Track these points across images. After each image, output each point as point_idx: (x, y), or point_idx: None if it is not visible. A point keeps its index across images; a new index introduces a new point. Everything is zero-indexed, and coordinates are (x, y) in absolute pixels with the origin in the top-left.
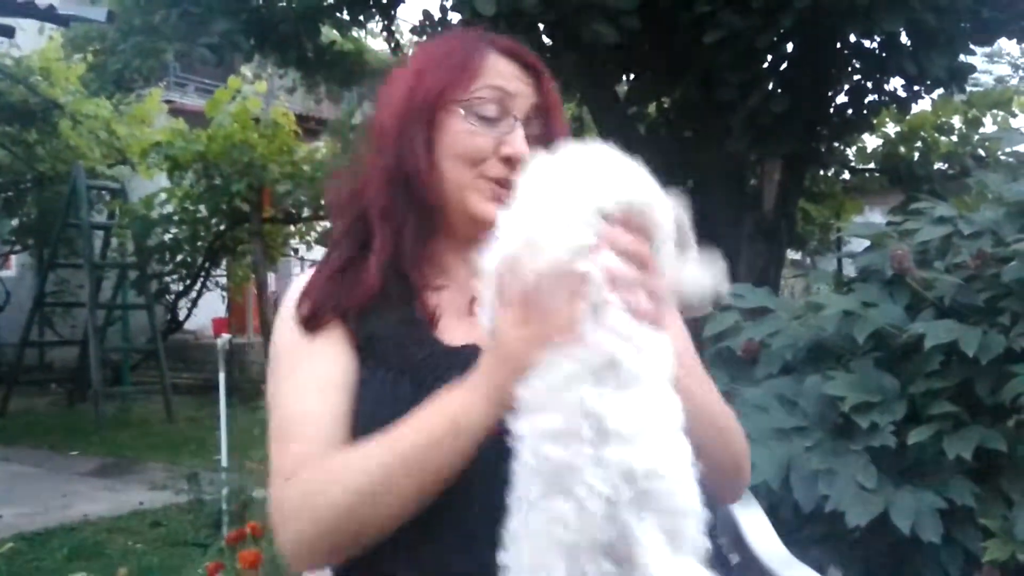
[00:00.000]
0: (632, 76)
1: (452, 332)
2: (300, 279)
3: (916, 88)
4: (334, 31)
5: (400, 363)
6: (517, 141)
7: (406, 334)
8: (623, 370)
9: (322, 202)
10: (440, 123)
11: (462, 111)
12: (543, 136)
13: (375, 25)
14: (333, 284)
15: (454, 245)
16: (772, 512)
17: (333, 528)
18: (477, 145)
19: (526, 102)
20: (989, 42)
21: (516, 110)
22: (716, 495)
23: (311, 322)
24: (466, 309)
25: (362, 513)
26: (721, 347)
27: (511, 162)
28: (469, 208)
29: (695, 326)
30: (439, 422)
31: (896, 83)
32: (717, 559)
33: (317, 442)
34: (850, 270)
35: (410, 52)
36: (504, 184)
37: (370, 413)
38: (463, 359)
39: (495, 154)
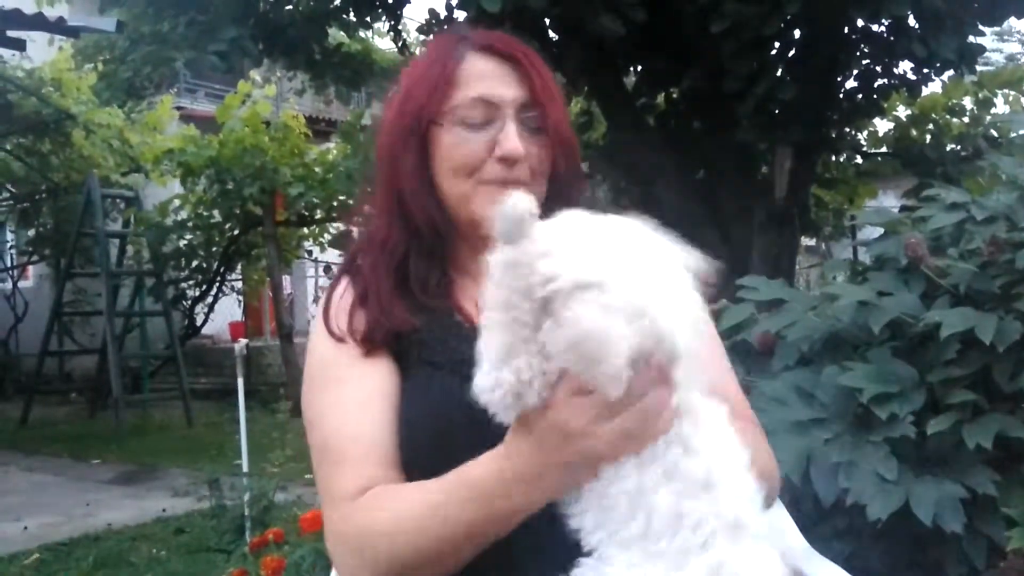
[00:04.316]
0: (640, 68)
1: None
2: (328, 291)
3: (926, 70)
4: (341, 33)
5: (443, 360)
6: (509, 139)
7: (443, 332)
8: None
9: (334, 203)
10: (433, 140)
11: (448, 123)
12: (540, 126)
13: (382, 25)
14: (365, 307)
15: (469, 248)
16: (793, 506)
17: (395, 574)
18: (468, 153)
19: (513, 97)
20: (998, 22)
21: (504, 108)
22: None
23: (360, 341)
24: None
25: (422, 569)
26: (736, 340)
27: (507, 161)
28: (475, 216)
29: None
30: (502, 505)
31: (905, 66)
32: None
33: (372, 462)
34: (865, 258)
35: (417, 52)
36: (504, 183)
37: (420, 414)
38: None
39: (489, 156)
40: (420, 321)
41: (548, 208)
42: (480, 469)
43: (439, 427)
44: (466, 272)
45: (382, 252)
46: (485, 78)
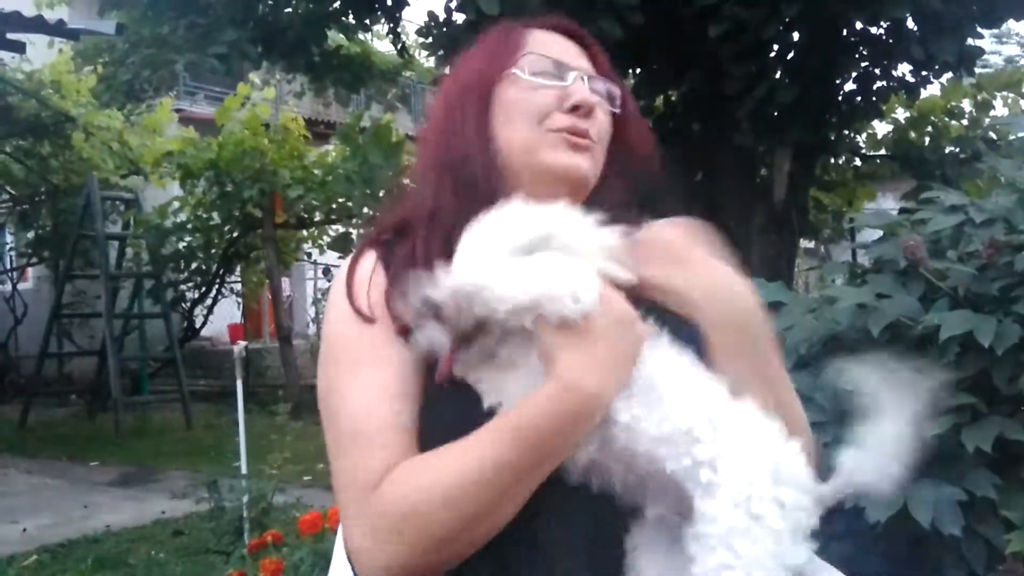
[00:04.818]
0: (639, 71)
1: None
2: (349, 266)
3: (924, 73)
4: (340, 35)
5: None
6: (581, 90)
7: None
8: None
9: (333, 206)
10: (495, 98)
11: (517, 72)
12: (606, 96)
13: (381, 28)
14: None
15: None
16: None
17: (434, 550)
18: (539, 100)
19: (579, 65)
20: (996, 24)
21: (573, 68)
22: None
23: (387, 320)
24: None
25: (469, 535)
26: None
27: (577, 111)
28: (543, 163)
29: None
30: (540, 435)
31: (904, 69)
32: None
33: (401, 451)
34: (864, 260)
35: (416, 54)
36: (574, 132)
37: (446, 401)
38: None
39: (558, 108)
40: None
41: (606, 179)
42: (526, 407)
43: (463, 411)
44: None
45: (431, 223)
46: (553, 46)
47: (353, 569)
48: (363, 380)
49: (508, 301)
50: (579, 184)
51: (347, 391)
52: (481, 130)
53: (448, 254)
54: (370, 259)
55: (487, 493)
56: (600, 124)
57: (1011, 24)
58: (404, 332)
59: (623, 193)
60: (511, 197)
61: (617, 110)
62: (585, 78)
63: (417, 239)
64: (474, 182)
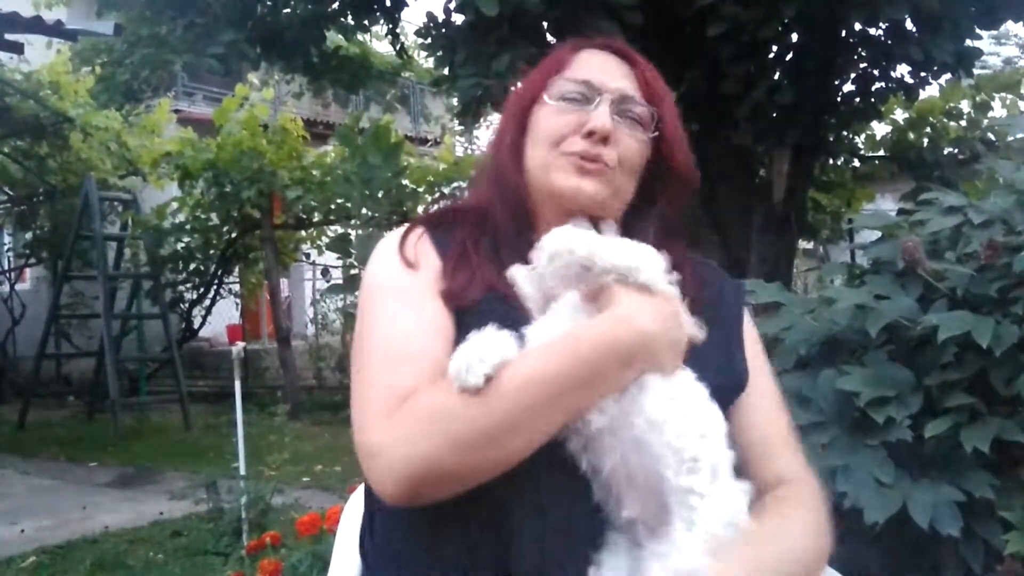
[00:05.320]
0: None
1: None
2: (402, 233)
3: (923, 74)
4: (339, 36)
5: (503, 327)
6: (599, 116)
7: (502, 311)
8: None
9: (332, 207)
10: (530, 119)
11: (547, 98)
12: (639, 120)
13: (380, 29)
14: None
15: (545, 222)
16: None
17: (465, 450)
18: (558, 124)
19: (616, 86)
20: (995, 25)
21: (604, 92)
22: None
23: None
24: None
25: (501, 446)
26: None
27: (592, 136)
28: (553, 184)
29: None
30: (594, 349)
31: (903, 70)
32: None
33: (433, 371)
34: (863, 261)
35: (415, 55)
36: (586, 157)
37: None
38: None
39: (576, 132)
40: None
41: (641, 207)
42: (583, 328)
43: None
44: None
45: (477, 219)
46: (594, 67)
47: (369, 476)
48: (405, 314)
49: (609, 263)
50: (588, 206)
51: (385, 316)
52: (515, 149)
53: (487, 254)
54: (419, 232)
55: (528, 399)
56: (623, 149)
57: (1009, 25)
58: (450, 296)
59: (665, 211)
60: (538, 211)
61: (654, 133)
62: (614, 103)
63: (466, 229)
64: (510, 194)
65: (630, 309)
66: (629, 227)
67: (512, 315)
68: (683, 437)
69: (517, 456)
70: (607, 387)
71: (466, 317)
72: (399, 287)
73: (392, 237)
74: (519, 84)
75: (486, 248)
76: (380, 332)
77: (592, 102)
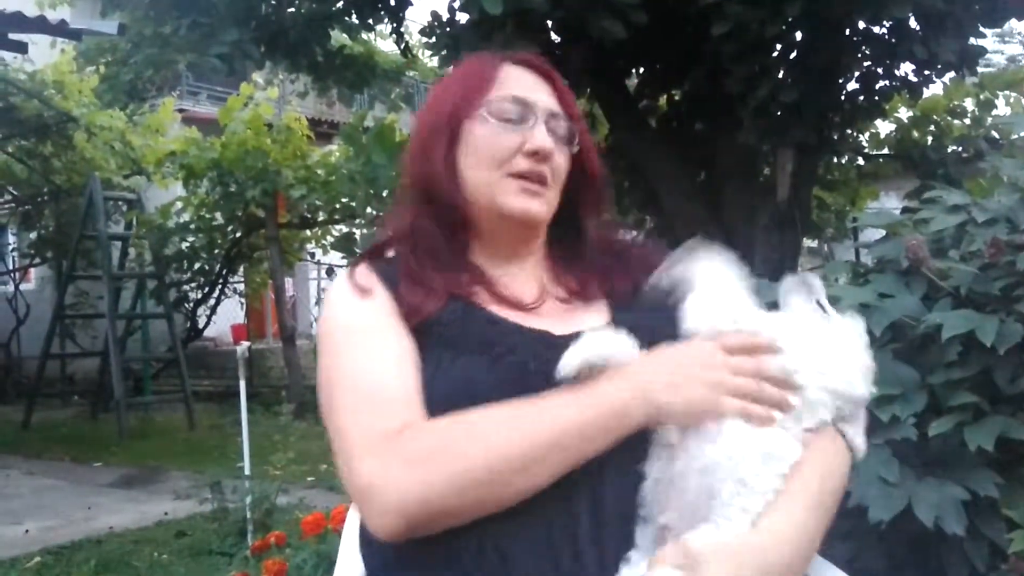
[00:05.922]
0: (641, 70)
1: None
2: (349, 271)
3: (927, 72)
4: (344, 35)
5: (467, 343)
6: (539, 135)
7: (463, 316)
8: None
9: (337, 206)
10: (463, 134)
11: (485, 114)
12: (565, 136)
13: (384, 28)
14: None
15: (481, 247)
16: None
17: (467, 488)
18: (502, 144)
19: (545, 104)
20: (999, 24)
21: (537, 110)
22: None
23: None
24: (504, 302)
25: (504, 477)
26: None
27: (535, 156)
28: (498, 206)
29: None
30: (602, 410)
31: (907, 68)
32: None
33: (418, 407)
34: (867, 259)
35: (419, 54)
36: (530, 177)
37: (445, 392)
38: (534, 338)
39: (519, 151)
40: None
41: (563, 215)
42: (605, 395)
43: (462, 406)
44: (479, 261)
45: (412, 240)
46: (521, 83)
47: (362, 512)
48: (374, 351)
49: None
50: (532, 224)
51: (352, 361)
52: (449, 164)
53: (434, 267)
54: (363, 267)
55: (530, 439)
56: (556, 166)
57: (1013, 23)
58: (413, 312)
59: (592, 216)
60: (476, 223)
61: (575, 149)
62: (546, 120)
63: (407, 251)
64: (444, 209)
65: (647, 378)
66: (557, 235)
67: (480, 315)
68: (752, 471)
69: (520, 496)
70: (618, 438)
71: (434, 328)
72: (361, 323)
73: (340, 277)
74: (435, 95)
75: (430, 262)
76: (353, 370)
77: (527, 121)
